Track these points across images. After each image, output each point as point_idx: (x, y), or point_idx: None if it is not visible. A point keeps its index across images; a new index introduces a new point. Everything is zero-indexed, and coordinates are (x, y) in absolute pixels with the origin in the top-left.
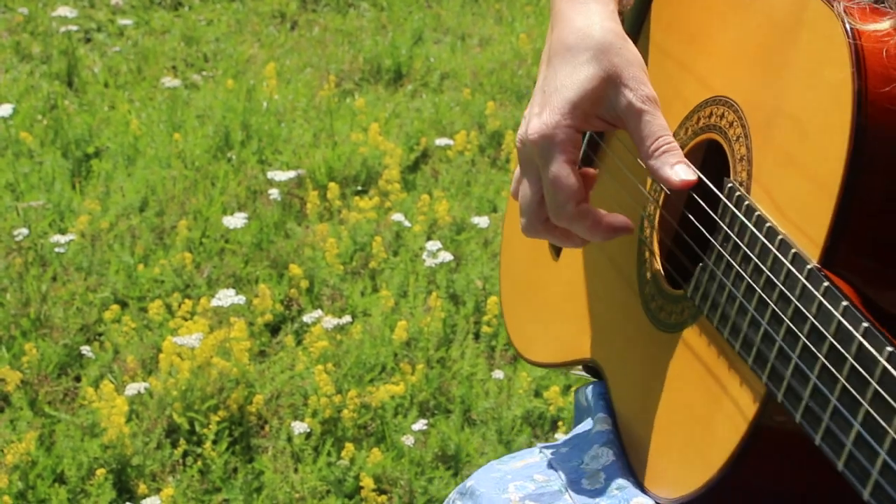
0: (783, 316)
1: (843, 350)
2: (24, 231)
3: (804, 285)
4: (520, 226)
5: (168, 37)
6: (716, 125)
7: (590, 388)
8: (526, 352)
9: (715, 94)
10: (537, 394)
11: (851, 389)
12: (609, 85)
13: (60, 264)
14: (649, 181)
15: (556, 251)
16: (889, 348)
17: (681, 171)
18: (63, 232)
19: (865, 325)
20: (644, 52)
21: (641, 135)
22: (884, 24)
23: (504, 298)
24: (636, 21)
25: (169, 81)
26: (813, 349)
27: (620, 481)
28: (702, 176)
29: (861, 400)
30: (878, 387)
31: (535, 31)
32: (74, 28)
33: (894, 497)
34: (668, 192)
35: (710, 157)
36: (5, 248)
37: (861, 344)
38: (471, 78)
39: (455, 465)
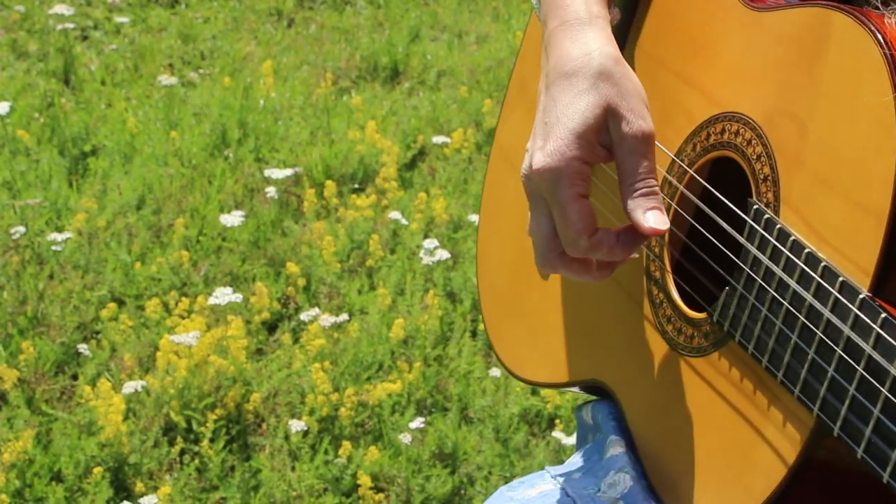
0: (834, 346)
1: None
2: (21, 229)
3: (857, 315)
4: (534, 261)
5: (165, 34)
6: (730, 142)
7: (595, 406)
8: (520, 371)
9: (725, 109)
10: (534, 391)
11: None
12: (609, 114)
13: (57, 262)
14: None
15: None
16: None
17: (651, 218)
18: (60, 230)
19: None
20: (630, 59)
21: (626, 170)
22: None
23: (487, 317)
24: (622, 28)
25: (166, 79)
26: (874, 382)
27: None
28: (725, 200)
29: None
30: None
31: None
32: (71, 26)
33: None
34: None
35: (723, 175)
36: (2, 246)
37: None
38: (468, 76)
39: (452, 463)
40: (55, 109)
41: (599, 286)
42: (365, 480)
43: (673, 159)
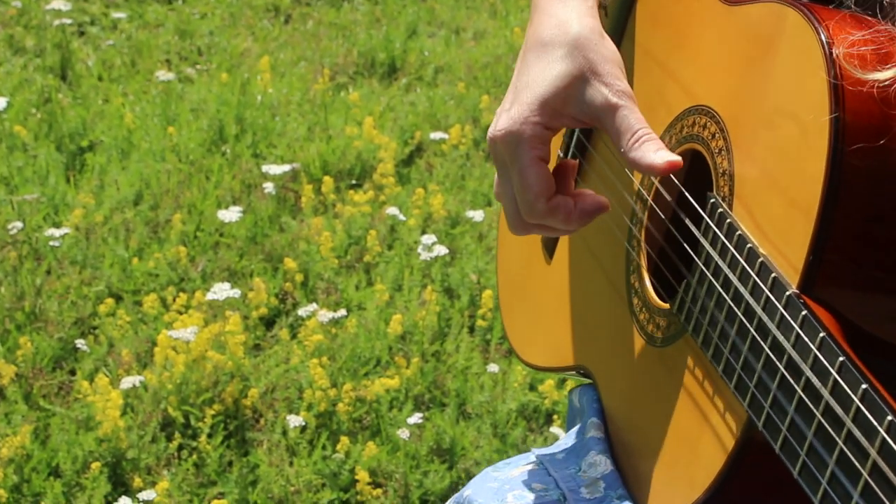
0: (763, 345)
1: (819, 385)
2: (19, 225)
3: (782, 314)
4: (506, 224)
5: (162, 30)
6: (698, 135)
7: (582, 389)
8: (523, 354)
9: (697, 102)
10: (532, 387)
11: (827, 427)
12: (582, 82)
13: (55, 258)
14: (636, 189)
15: (549, 253)
16: (864, 385)
17: (664, 156)
18: (57, 225)
19: (842, 359)
20: (629, 52)
21: (619, 130)
22: (886, 73)
23: (501, 298)
24: (620, 17)
25: (163, 75)
26: (791, 382)
27: (620, 490)
28: (689, 195)
29: (836, 439)
30: (853, 426)
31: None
32: (68, 21)
33: None
34: (655, 191)
35: (694, 169)
36: (0, 241)
37: (836, 381)
38: (465, 72)
39: (450, 458)
40: (52, 105)
41: (591, 273)
42: (363, 476)
43: None
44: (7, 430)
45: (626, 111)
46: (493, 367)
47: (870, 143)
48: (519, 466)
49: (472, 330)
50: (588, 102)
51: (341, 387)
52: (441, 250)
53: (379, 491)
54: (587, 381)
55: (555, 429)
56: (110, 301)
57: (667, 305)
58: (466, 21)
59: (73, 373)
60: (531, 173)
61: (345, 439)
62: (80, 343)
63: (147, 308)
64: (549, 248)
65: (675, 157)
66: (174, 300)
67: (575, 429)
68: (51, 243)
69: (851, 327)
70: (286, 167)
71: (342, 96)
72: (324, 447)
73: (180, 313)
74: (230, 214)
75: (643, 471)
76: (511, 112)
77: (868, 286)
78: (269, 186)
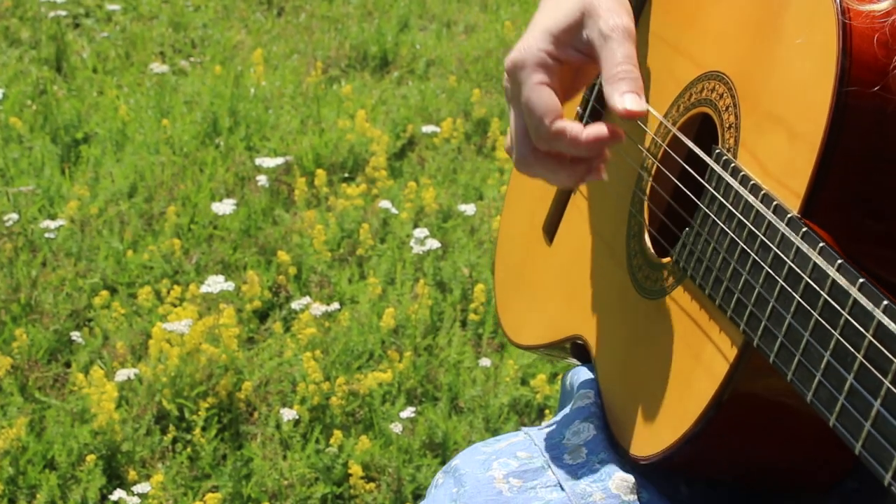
0: (763, 264)
1: (817, 287)
2: (14, 216)
3: (783, 233)
4: (513, 164)
5: (156, 22)
6: (707, 99)
7: (574, 371)
8: (516, 336)
9: (706, 69)
10: (524, 382)
11: (824, 323)
12: (586, 16)
13: (50, 250)
14: (644, 154)
15: (549, 237)
16: (861, 280)
17: (628, 100)
18: (53, 217)
19: (840, 261)
20: (643, 41)
21: (605, 62)
22: (882, 5)
23: (498, 289)
24: (635, 11)
25: (157, 67)
26: (790, 290)
27: (602, 455)
28: (691, 143)
29: (832, 332)
30: (849, 317)
31: (520, 18)
32: (63, 13)
33: (862, 421)
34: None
35: (705, 132)
36: None
37: (834, 280)
38: (456, 65)
39: (443, 452)
40: (47, 97)
41: (593, 248)
42: (356, 470)
43: (661, 121)
44: (3, 421)
45: (615, 44)
46: (485, 362)
47: (872, 82)
48: (507, 440)
49: (464, 324)
50: (587, 37)
51: (334, 380)
52: (433, 244)
53: (372, 485)
54: (576, 363)
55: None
56: (105, 293)
57: (668, 259)
58: (458, 15)
59: (68, 365)
60: (534, 95)
61: (338, 433)
62: (75, 335)
63: (141, 300)
64: (550, 231)
65: (637, 107)
66: (168, 293)
67: (565, 409)
68: (46, 235)
69: (850, 254)
70: (279, 160)
71: (334, 89)
72: (317, 441)
73: (174, 306)
74: (224, 207)
75: (637, 416)
76: (520, 43)
77: (868, 219)
78: (262, 179)
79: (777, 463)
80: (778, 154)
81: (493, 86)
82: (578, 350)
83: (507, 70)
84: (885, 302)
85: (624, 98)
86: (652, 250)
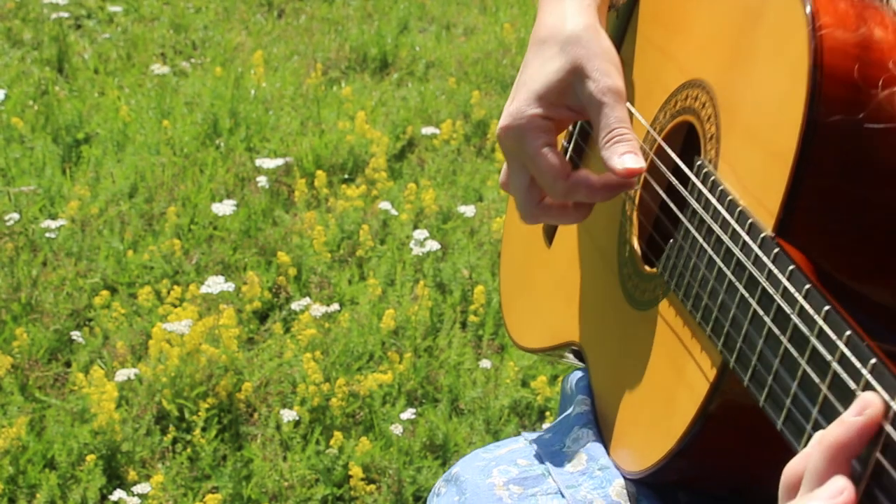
0: (738, 284)
1: (788, 312)
2: (15, 216)
3: (757, 253)
4: (518, 216)
5: (157, 24)
6: (690, 107)
7: (574, 374)
8: (519, 338)
9: (691, 77)
10: (524, 383)
11: (792, 351)
12: (574, 76)
13: (51, 249)
14: None
15: (549, 238)
16: (826, 307)
17: (627, 160)
18: (53, 217)
19: (808, 286)
20: (632, 45)
21: (599, 125)
22: None
23: (503, 290)
24: (625, 14)
25: (158, 68)
26: (762, 314)
27: (603, 461)
28: (674, 155)
29: (799, 361)
30: (816, 342)
31: (519, 20)
32: (65, 15)
33: None
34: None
35: (690, 140)
36: None
37: (802, 306)
38: (456, 67)
39: (443, 454)
40: (49, 97)
41: (588, 254)
42: (356, 471)
43: (648, 129)
44: (3, 421)
45: (608, 109)
46: (485, 363)
47: (845, 98)
48: (507, 447)
49: (464, 325)
50: (578, 97)
51: (334, 381)
52: (433, 245)
53: (372, 487)
54: (579, 365)
55: (547, 425)
56: (105, 293)
57: (655, 270)
58: (457, 17)
59: (68, 364)
60: (542, 159)
61: (338, 434)
62: (75, 335)
63: (142, 300)
64: (549, 233)
65: (636, 165)
66: (168, 293)
67: (565, 413)
68: (47, 235)
69: (822, 273)
70: (279, 161)
71: (334, 91)
72: (317, 442)
73: (174, 306)
74: (224, 208)
75: (623, 432)
76: (510, 108)
77: (841, 236)
78: (262, 180)
79: (771, 477)
80: (754, 170)
81: (493, 87)
82: (578, 354)
83: (501, 135)
84: (848, 332)
85: (623, 159)
86: (641, 260)
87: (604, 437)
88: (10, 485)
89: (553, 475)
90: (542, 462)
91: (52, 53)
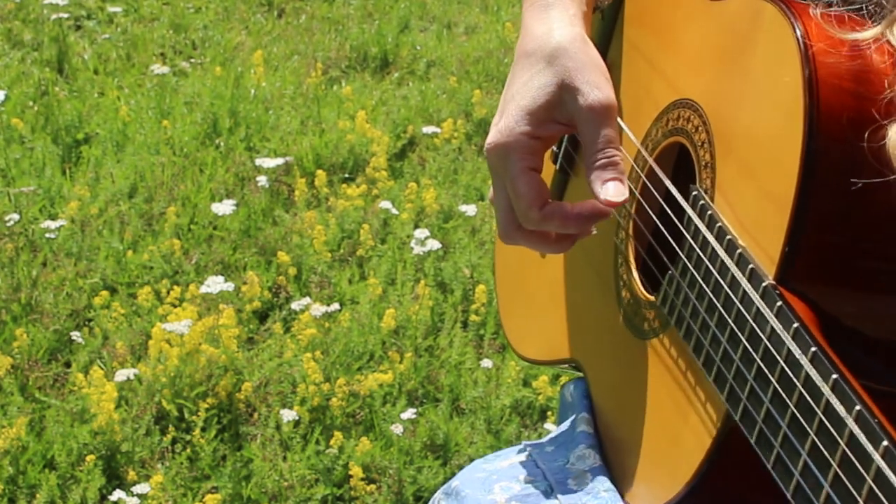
0: (741, 336)
1: (792, 376)
2: (15, 216)
3: (758, 305)
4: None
5: (157, 24)
6: (682, 129)
7: (575, 384)
8: (518, 348)
9: (681, 96)
10: (526, 383)
11: (800, 418)
12: (563, 90)
13: (51, 250)
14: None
15: None
16: (834, 376)
17: (610, 189)
18: (53, 217)
19: (814, 349)
20: (618, 50)
21: (586, 142)
22: (866, 34)
23: (499, 293)
24: (610, 17)
25: (158, 68)
26: (766, 373)
27: (608, 483)
28: (670, 184)
29: (808, 430)
30: (823, 417)
31: (520, 19)
32: (65, 15)
33: None
34: (640, 199)
35: (682, 161)
36: None
37: (808, 373)
38: (457, 66)
39: (444, 454)
40: (49, 98)
41: (582, 267)
42: (356, 471)
43: (638, 148)
44: (3, 421)
45: (597, 126)
46: (486, 363)
47: (843, 137)
48: (508, 458)
49: (465, 325)
50: (567, 111)
51: (335, 381)
52: (434, 244)
53: (372, 487)
54: (580, 374)
55: (549, 425)
56: (105, 293)
57: (653, 298)
58: (458, 16)
59: (68, 365)
60: (521, 183)
61: (338, 434)
62: (75, 335)
63: (141, 301)
64: None
65: (620, 196)
66: (168, 293)
67: (566, 422)
68: (46, 235)
69: (827, 319)
70: (279, 160)
71: (335, 90)
72: (317, 442)
73: (174, 306)
74: (224, 207)
75: (628, 465)
76: (499, 125)
77: (843, 281)
78: (262, 180)
79: None
80: (751, 207)
81: (494, 87)
82: (577, 368)
83: (488, 152)
84: (858, 407)
85: (607, 187)
86: (640, 287)
87: (608, 465)
88: (10, 485)
89: (557, 493)
90: (545, 478)
91: (51, 54)
